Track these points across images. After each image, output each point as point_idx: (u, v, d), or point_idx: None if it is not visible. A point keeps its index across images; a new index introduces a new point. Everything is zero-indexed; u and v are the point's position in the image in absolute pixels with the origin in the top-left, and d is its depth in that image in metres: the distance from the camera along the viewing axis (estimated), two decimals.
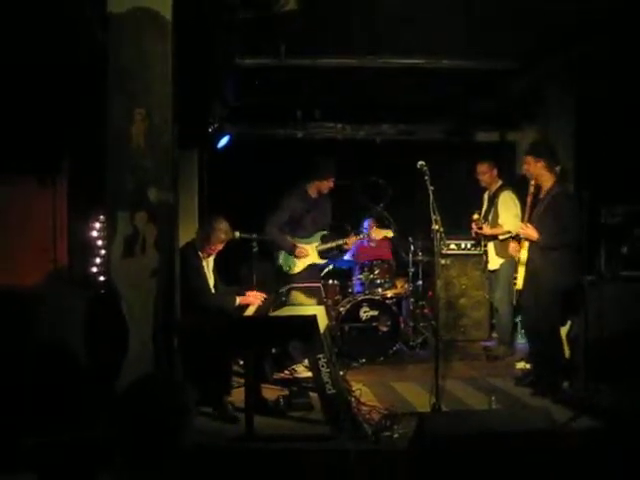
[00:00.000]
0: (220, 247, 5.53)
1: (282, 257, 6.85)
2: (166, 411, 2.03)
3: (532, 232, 5.56)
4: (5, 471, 3.72)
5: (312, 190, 6.93)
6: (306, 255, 6.83)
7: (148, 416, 2.01)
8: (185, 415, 2.07)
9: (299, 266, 6.84)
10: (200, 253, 5.49)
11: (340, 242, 7.03)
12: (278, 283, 6.50)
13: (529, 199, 5.72)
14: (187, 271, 5.27)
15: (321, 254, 6.97)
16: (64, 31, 5.07)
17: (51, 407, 4.46)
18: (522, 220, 5.79)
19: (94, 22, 4.83)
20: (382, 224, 8.18)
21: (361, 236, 7.24)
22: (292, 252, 6.79)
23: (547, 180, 5.67)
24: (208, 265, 5.59)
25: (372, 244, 8.21)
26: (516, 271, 5.83)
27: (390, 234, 7.30)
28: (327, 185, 6.90)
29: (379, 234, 7.28)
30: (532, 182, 5.72)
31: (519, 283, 5.77)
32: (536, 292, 5.61)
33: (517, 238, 5.89)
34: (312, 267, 6.94)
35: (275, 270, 6.91)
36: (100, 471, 2.05)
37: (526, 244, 5.66)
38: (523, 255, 5.68)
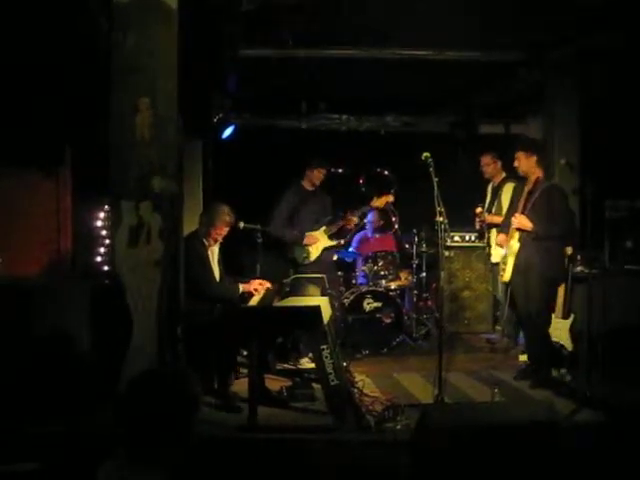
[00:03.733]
0: (225, 231, 5.52)
1: (295, 250, 6.83)
2: (173, 403, 2.03)
3: (526, 222, 5.59)
4: (7, 460, 3.73)
5: (305, 183, 6.94)
6: (316, 240, 6.82)
7: (154, 408, 2.01)
8: (192, 407, 2.07)
9: (314, 253, 6.83)
10: (205, 241, 5.49)
11: (342, 222, 6.99)
12: (283, 273, 6.51)
13: (527, 189, 5.75)
14: (192, 261, 5.28)
15: (331, 237, 6.96)
16: (68, 21, 5.05)
17: (54, 397, 4.47)
18: (516, 211, 5.79)
19: (98, 11, 4.81)
20: (385, 215, 8.18)
21: (361, 214, 7.17)
22: (301, 242, 6.79)
23: (536, 174, 5.75)
24: (213, 255, 5.59)
25: (375, 235, 8.22)
26: (505, 263, 5.85)
27: (391, 198, 7.24)
28: (318, 175, 6.89)
29: (381, 202, 7.21)
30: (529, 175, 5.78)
31: (507, 275, 5.80)
32: (526, 282, 5.68)
33: (505, 230, 5.92)
34: (326, 257, 6.94)
35: (288, 263, 6.87)
36: (103, 461, 2.05)
37: (516, 235, 5.70)
38: (513, 246, 5.71)
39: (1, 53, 5.22)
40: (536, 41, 6.87)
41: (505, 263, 5.85)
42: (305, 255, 6.80)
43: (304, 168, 6.96)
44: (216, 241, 5.55)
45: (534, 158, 5.73)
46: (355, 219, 7.05)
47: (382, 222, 8.33)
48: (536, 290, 5.65)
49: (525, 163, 5.74)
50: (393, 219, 8.09)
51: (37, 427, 4.15)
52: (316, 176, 6.90)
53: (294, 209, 6.85)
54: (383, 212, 8.19)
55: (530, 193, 5.73)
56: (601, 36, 6.31)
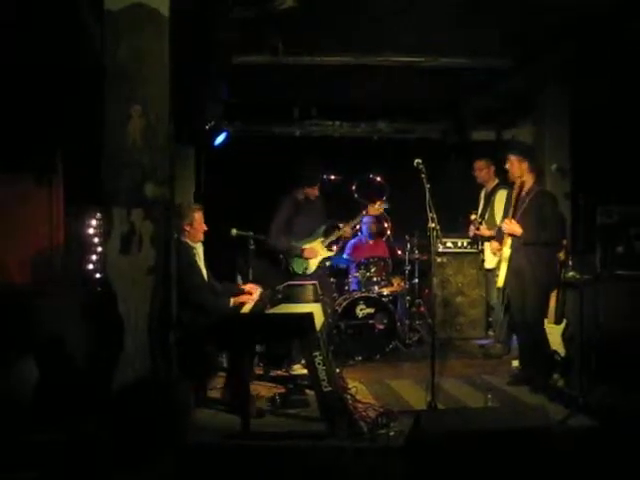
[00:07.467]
0: (200, 219, 5.54)
1: (294, 261, 6.82)
2: (163, 411, 2.03)
3: (516, 228, 5.64)
4: (7, 469, 3.71)
5: (301, 196, 6.95)
6: (316, 254, 6.85)
7: (145, 416, 2.01)
8: (182, 414, 2.07)
9: (313, 264, 6.84)
10: (189, 242, 5.50)
11: (340, 232, 7.03)
12: (275, 280, 6.50)
13: (514, 195, 5.78)
14: (181, 268, 5.27)
15: (328, 247, 6.99)
16: (59, 28, 5.05)
17: (49, 405, 4.45)
18: (507, 216, 5.82)
19: (90, 19, 4.82)
20: (379, 221, 8.19)
21: (356, 222, 7.20)
22: (301, 255, 6.80)
23: (529, 180, 5.78)
24: (199, 255, 5.59)
25: (369, 240, 8.22)
26: (498, 269, 5.89)
27: (383, 205, 7.27)
28: (313, 192, 6.92)
29: (375, 210, 7.23)
30: (519, 180, 5.80)
31: (500, 281, 5.84)
32: (522, 289, 5.70)
33: (499, 236, 5.94)
34: (323, 264, 6.98)
35: (281, 270, 6.87)
36: (103, 469, 2.05)
37: (508, 241, 5.73)
38: (505, 252, 5.74)
39: None
40: (527, 47, 6.89)
41: (499, 269, 5.88)
42: (305, 266, 6.82)
43: (296, 181, 6.95)
44: (197, 233, 5.54)
45: (526, 163, 5.76)
46: (349, 230, 7.12)
47: (375, 228, 8.34)
48: (531, 296, 5.65)
49: (517, 167, 5.77)
50: (385, 225, 8.12)
51: (34, 435, 4.13)
52: (312, 193, 6.91)
53: (291, 220, 6.85)
54: (377, 217, 8.20)
55: (521, 198, 5.76)
56: (591, 42, 6.34)
